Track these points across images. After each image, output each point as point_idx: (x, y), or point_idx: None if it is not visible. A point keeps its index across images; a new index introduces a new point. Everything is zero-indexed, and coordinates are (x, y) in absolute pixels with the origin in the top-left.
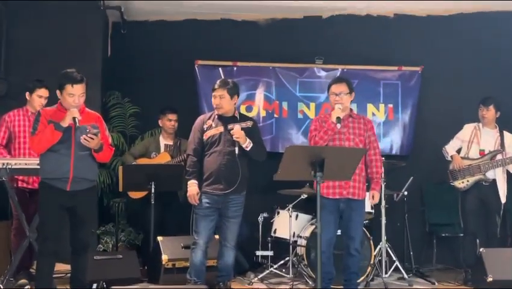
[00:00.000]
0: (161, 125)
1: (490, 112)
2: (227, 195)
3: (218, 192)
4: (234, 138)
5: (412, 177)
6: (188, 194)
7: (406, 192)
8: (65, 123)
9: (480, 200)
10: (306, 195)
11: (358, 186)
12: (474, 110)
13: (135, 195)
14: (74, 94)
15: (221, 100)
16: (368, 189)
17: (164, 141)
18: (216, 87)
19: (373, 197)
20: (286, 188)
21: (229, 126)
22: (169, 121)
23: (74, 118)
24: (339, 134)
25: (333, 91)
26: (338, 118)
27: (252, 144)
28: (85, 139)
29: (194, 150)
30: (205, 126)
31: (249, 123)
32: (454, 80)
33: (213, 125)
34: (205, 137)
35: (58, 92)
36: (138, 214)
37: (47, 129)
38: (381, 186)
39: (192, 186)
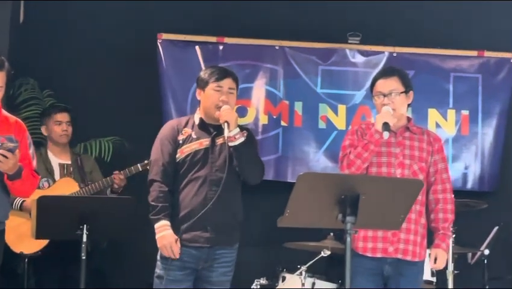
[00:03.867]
0: (45, 134)
1: None
2: (213, 250)
3: (200, 244)
4: (221, 122)
5: (497, 227)
6: (161, 244)
7: (487, 251)
8: None
9: None
10: (329, 252)
11: (414, 240)
12: None
13: (29, 247)
14: None
15: (230, 97)
16: (429, 245)
17: (56, 158)
18: (223, 75)
19: (435, 258)
20: (297, 239)
21: (218, 140)
22: (58, 125)
23: None
24: (387, 156)
25: (379, 89)
26: (385, 124)
27: (243, 138)
28: None
29: (164, 174)
30: (181, 137)
31: (243, 134)
32: None
33: (193, 136)
34: (180, 155)
35: None
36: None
37: None
38: (450, 241)
39: (166, 231)
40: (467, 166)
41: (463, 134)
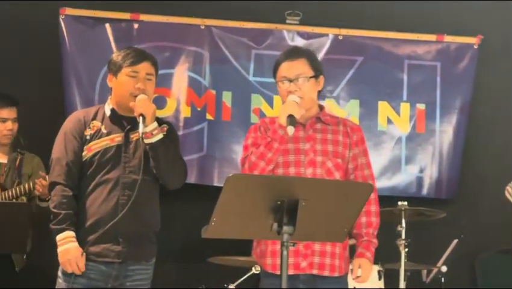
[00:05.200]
0: None
1: None
2: (125, 265)
3: (110, 259)
4: (136, 114)
5: (456, 240)
6: (63, 259)
7: (445, 268)
8: None
9: None
10: (259, 269)
11: (331, 252)
12: None
13: None
14: None
15: (148, 85)
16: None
17: None
18: (140, 58)
19: (359, 270)
20: (224, 253)
21: (132, 136)
22: (1, 123)
23: None
24: (295, 154)
25: (284, 74)
26: (290, 117)
27: (162, 134)
28: None
29: (68, 176)
30: (88, 132)
31: (162, 130)
32: None
33: (103, 130)
34: (87, 153)
35: None
36: None
37: None
38: (373, 250)
39: (70, 244)
40: (422, 169)
41: (418, 132)
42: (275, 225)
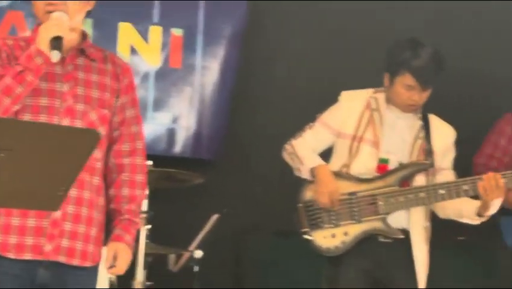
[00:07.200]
0: None
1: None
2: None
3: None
4: None
5: (217, 215)
6: None
7: (200, 253)
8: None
9: (370, 277)
10: None
11: (86, 233)
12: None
13: None
14: None
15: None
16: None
17: None
18: None
19: (115, 258)
20: None
21: None
22: None
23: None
24: (49, 96)
25: None
26: (56, 40)
27: None
28: None
29: None
30: None
31: None
32: None
33: None
34: None
35: None
36: None
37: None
38: (134, 232)
39: None
40: (176, 118)
41: (172, 66)
42: None
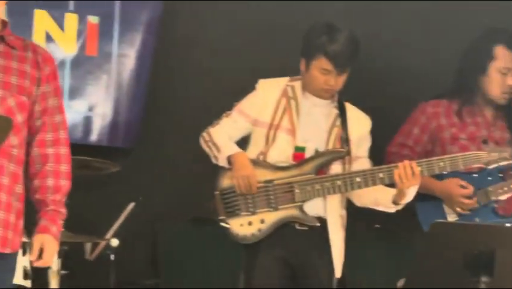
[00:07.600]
0: None
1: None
2: None
3: None
4: None
5: (133, 204)
6: None
7: (116, 242)
8: None
9: (287, 265)
10: None
11: (4, 220)
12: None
13: None
14: None
15: None
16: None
17: None
18: None
19: (40, 250)
20: None
21: None
22: None
23: None
24: None
25: None
26: None
27: None
28: None
29: None
30: None
31: None
32: None
33: None
34: None
35: None
36: None
37: None
38: (61, 223)
39: None
40: (93, 106)
41: (88, 54)
42: None
